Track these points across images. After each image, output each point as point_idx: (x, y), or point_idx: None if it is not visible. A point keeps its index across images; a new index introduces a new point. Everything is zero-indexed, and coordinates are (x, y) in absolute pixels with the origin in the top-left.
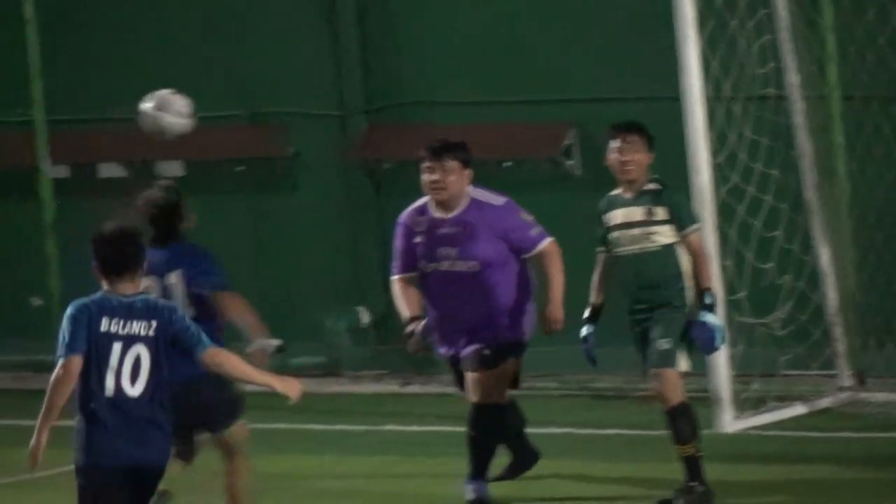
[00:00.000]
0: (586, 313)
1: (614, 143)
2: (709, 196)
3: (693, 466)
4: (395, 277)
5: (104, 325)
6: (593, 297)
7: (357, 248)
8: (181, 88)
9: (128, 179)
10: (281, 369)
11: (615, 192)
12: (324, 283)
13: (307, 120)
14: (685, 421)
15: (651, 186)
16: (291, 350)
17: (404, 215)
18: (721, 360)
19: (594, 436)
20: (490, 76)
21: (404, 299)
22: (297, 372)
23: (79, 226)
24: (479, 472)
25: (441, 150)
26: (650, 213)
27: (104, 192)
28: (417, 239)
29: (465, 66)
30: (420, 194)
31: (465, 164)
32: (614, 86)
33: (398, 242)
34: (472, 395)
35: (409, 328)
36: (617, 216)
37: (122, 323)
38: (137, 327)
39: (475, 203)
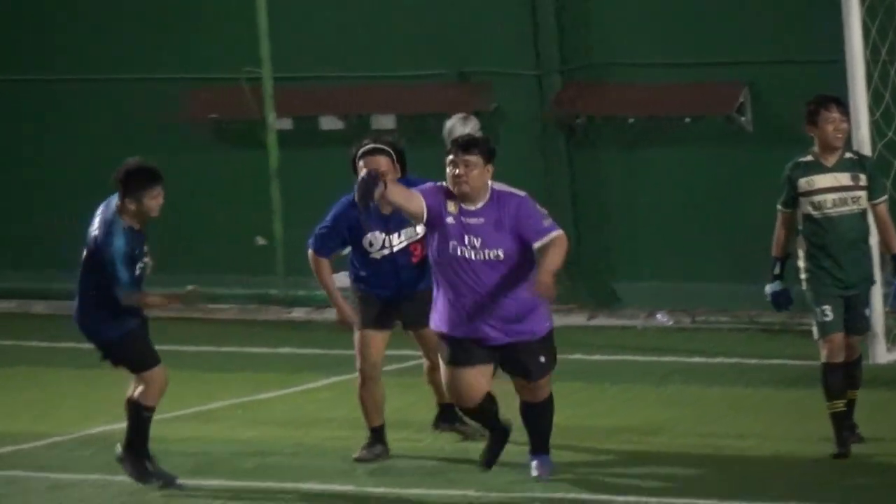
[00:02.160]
0: (775, 269)
1: (832, 115)
2: (867, 149)
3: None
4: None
5: None
6: (778, 251)
7: (551, 194)
8: (396, 49)
9: (344, 131)
10: None
11: (805, 159)
12: None
13: (508, 78)
14: (860, 371)
15: (850, 155)
16: None
17: (444, 185)
18: (876, 299)
19: (761, 365)
20: (671, 39)
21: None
22: None
23: (300, 173)
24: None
25: (465, 146)
26: (856, 178)
27: (323, 143)
28: (450, 220)
29: (649, 29)
30: (610, 148)
31: (488, 159)
32: (782, 49)
33: (430, 192)
34: (533, 397)
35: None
36: (821, 181)
37: None
38: None
39: (496, 194)
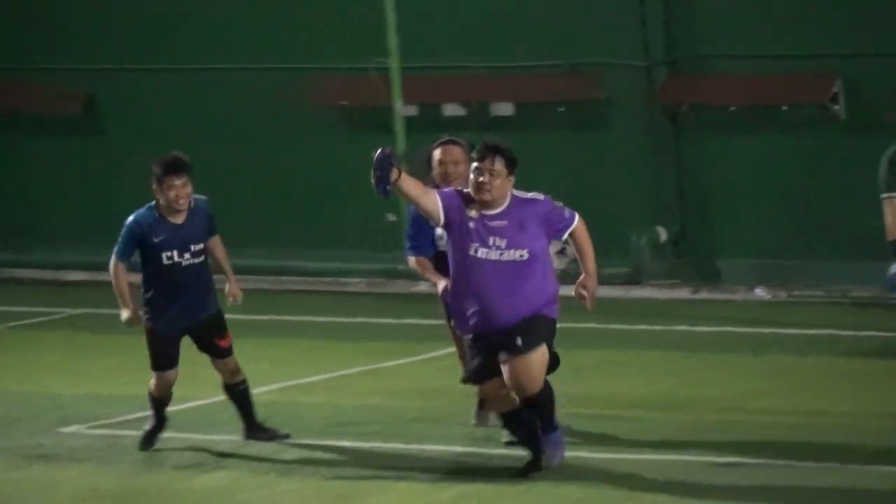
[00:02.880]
0: None
1: None
2: None
3: None
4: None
5: None
6: (893, 235)
7: (657, 178)
8: (514, 41)
9: (466, 118)
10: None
11: None
12: (629, 207)
13: (617, 69)
14: None
15: None
16: (602, 262)
17: (463, 190)
18: None
19: (853, 337)
20: (769, 32)
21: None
22: (606, 280)
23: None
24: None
25: (490, 153)
26: None
27: (446, 129)
28: (472, 224)
29: (749, 23)
30: (712, 134)
31: (511, 169)
32: (874, 41)
33: (447, 194)
34: (523, 391)
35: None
36: None
37: None
38: None
39: (515, 199)
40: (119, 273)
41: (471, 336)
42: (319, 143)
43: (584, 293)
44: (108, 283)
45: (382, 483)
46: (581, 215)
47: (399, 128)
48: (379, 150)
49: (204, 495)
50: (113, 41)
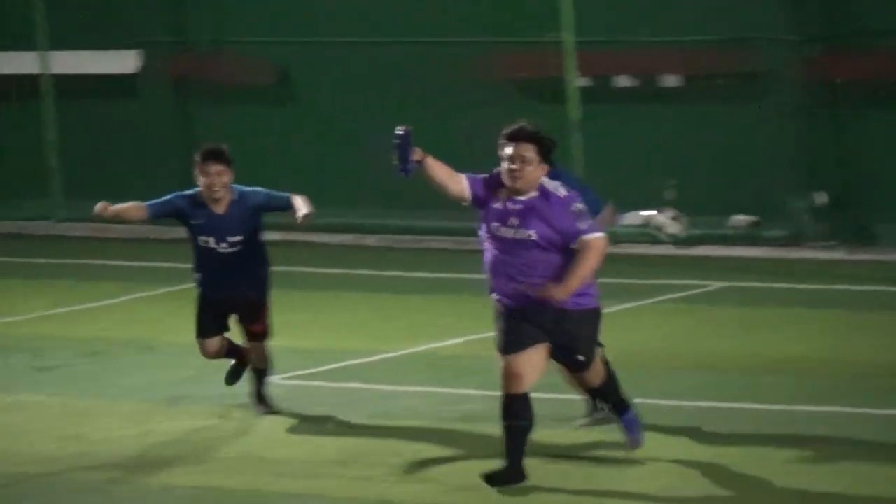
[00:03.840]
0: None
1: None
2: None
3: None
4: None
5: None
6: None
7: (815, 147)
8: (681, 16)
9: (637, 89)
10: (754, 240)
11: None
12: (788, 173)
13: (775, 44)
14: None
15: None
16: (765, 225)
17: (494, 175)
18: None
19: None
20: None
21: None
22: (766, 242)
23: (597, 126)
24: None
25: (523, 139)
26: None
27: (618, 100)
28: (497, 205)
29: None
30: (866, 106)
31: (545, 156)
32: None
33: (475, 179)
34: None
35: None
36: None
37: None
38: None
39: (543, 190)
40: (134, 206)
41: (503, 308)
42: (496, 114)
43: (543, 291)
44: (297, 243)
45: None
46: (738, 182)
47: (573, 99)
48: (400, 129)
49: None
50: (305, 15)
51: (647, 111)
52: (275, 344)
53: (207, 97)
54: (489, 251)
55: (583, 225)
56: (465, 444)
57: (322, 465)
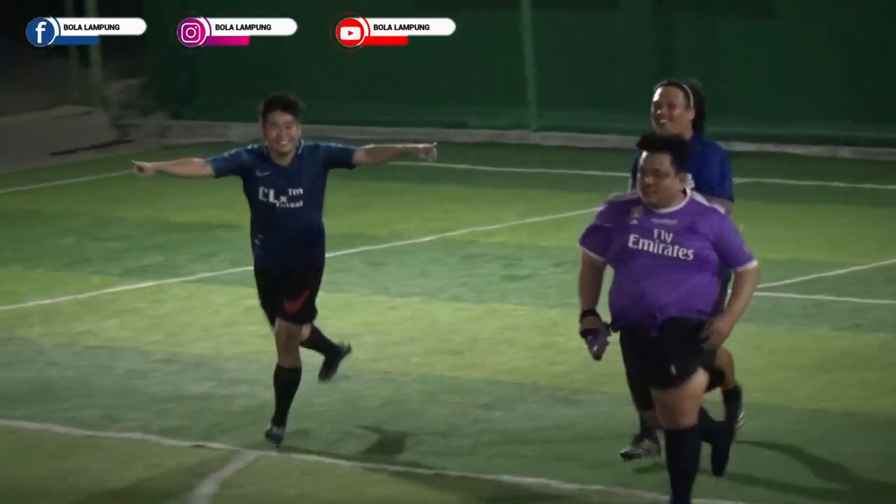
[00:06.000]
0: None
1: None
2: None
3: None
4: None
5: None
6: None
7: None
8: None
9: None
10: None
11: None
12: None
13: None
14: None
15: None
16: None
17: (614, 203)
18: None
19: None
20: None
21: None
22: None
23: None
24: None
25: (656, 148)
26: None
27: None
28: (634, 222)
29: None
30: None
31: (681, 167)
32: None
33: (597, 229)
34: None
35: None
36: None
37: None
38: None
39: (692, 203)
40: (192, 163)
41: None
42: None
43: (709, 332)
44: (772, 154)
45: None
46: None
47: None
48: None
49: None
50: None
51: None
52: None
53: (689, 5)
54: (617, 272)
55: (746, 249)
56: None
57: None
